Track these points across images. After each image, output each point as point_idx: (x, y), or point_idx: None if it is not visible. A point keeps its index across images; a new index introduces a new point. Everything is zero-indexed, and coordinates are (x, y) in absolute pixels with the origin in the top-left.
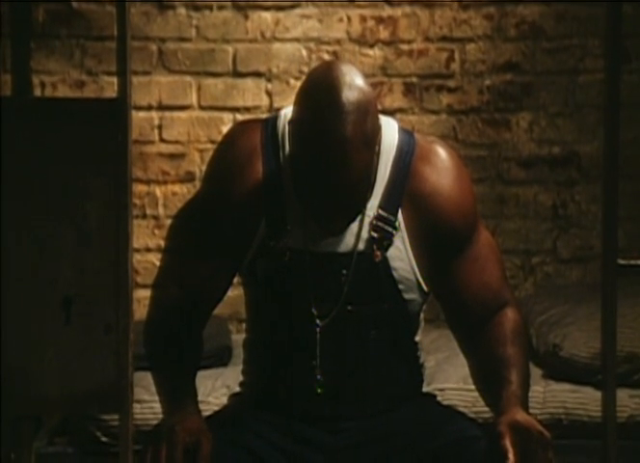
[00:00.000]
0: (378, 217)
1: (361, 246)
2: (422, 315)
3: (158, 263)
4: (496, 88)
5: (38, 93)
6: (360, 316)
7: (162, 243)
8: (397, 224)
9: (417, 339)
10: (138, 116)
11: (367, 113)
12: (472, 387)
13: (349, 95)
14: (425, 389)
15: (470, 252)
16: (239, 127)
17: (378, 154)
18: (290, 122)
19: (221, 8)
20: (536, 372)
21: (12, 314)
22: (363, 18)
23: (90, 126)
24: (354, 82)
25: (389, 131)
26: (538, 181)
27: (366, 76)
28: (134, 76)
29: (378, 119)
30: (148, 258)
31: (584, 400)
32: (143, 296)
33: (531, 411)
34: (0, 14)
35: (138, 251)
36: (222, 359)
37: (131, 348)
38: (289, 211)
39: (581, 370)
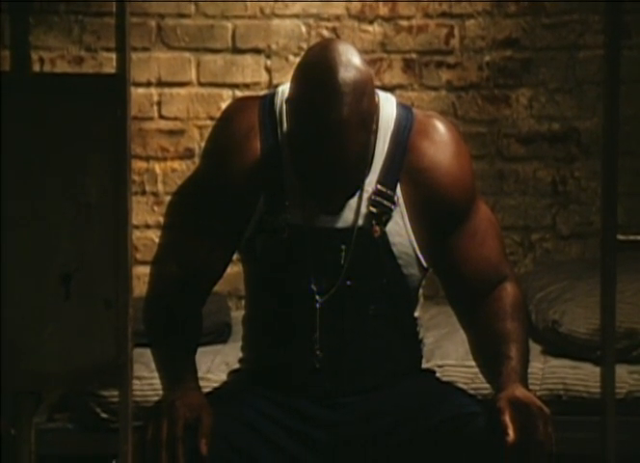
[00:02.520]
0: (377, 192)
1: (360, 221)
2: (421, 291)
3: (157, 240)
4: (496, 64)
5: (36, 68)
6: (360, 291)
7: (161, 220)
8: (396, 199)
9: (416, 314)
10: (137, 92)
11: (364, 93)
12: (471, 363)
13: (345, 75)
14: (424, 365)
15: (469, 226)
16: (237, 104)
17: (376, 131)
18: (287, 101)
19: None
20: (535, 348)
21: (11, 290)
22: None
23: (89, 102)
24: (351, 62)
25: (388, 106)
26: (537, 158)
27: (365, 52)
28: (133, 52)
29: (375, 99)
30: (148, 235)
31: (583, 376)
32: (142, 273)
33: (530, 387)
34: None
35: (137, 227)
36: (221, 336)
37: (130, 324)
38: (288, 187)
39: (580, 346)
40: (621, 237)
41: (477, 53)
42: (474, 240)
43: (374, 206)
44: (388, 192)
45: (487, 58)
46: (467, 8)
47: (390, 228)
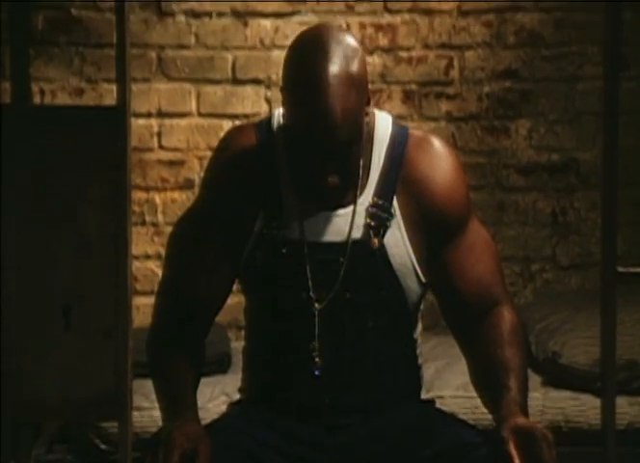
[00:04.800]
0: (373, 204)
1: (358, 234)
2: (420, 313)
3: (157, 270)
4: (496, 95)
5: (37, 100)
6: (358, 304)
7: (161, 250)
8: (393, 210)
9: (416, 336)
10: (137, 123)
11: (354, 57)
12: (472, 394)
13: (336, 40)
14: (424, 396)
15: (464, 241)
16: (233, 131)
17: (371, 145)
18: (281, 89)
19: (220, 15)
20: (535, 379)
21: (12, 321)
22: (363, 26)
23: (89, 134)
24: (341, 33)
25: (383, 123)
26: (537, 188)
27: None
28: (133, 83)
29: (365, 68)
30: (148, 266)
31: (584, 408)
32: (142, 303)
33: (531, 418)
34: None
35: (137, 258)
36: (221, 366)
37: (130, 355)
38: (286, 203)
39: (581, 378)
40: (621, 269)
41: (477, 84)
42: (469, 256)
43: (371, 218)
44: (385, 204)
45: (486, 89)
46: (467, 39)
47: (388, 239)
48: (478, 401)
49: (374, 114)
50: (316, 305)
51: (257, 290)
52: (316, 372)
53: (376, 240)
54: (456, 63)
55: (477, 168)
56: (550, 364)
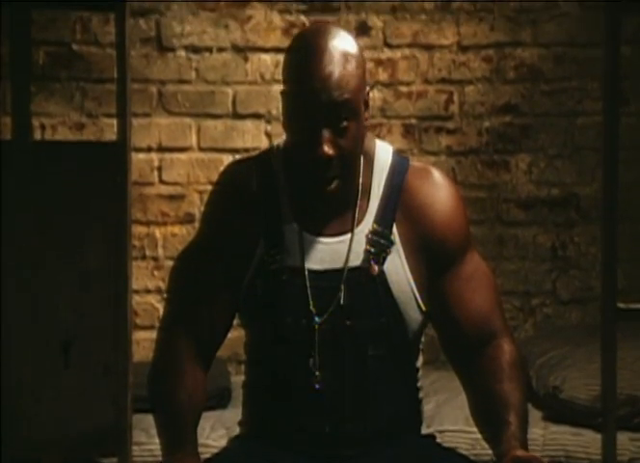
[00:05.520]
0: (373, 231)
1: (358, 261)
2: (422, 346)
3: (157, 305)
4: (495, 129)
5: (38, 135)
6: (358, 331)
7: (162, 284)
8: (392, 237)
9: (417, 367)
10: (138, 157)
11: (353, 46)
12: (472, 429)
13: (334, 33)
14: (425, 431)
15: (463, 271)
16: (232, 164)
17: (371, 174)
18: (281, 93)
19: (220, 50)
20: (536, 414)
21: (11, 358)
22: None
23: (89, 169)
24: (340, 29)
25: (383, 152)
26: (537, 223)
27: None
28: (134, 118)
29: (364, 61)
30: (148, 300)
31: (585, 443)
32: (142, 338)
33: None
34: (0, 57)
35: (137, 292)
36: (221, 400)
37: (130, 391)
38: (286, 230)
39: (581, 413)
40: (621, 306)
41: (477, 119)
42: (468, 287)
43: (371, 245)
44: (385, 231)
45: (486, 123)
46: (467, 74)
47: (388, 266)
48: (478, 436)
49: (375, 143)
50: (317, 332)
51: (257, 319)
52: (317, 386)
53: (376, 267)
54: (456, 97)
55: (477, 202)
56: (551, 399)
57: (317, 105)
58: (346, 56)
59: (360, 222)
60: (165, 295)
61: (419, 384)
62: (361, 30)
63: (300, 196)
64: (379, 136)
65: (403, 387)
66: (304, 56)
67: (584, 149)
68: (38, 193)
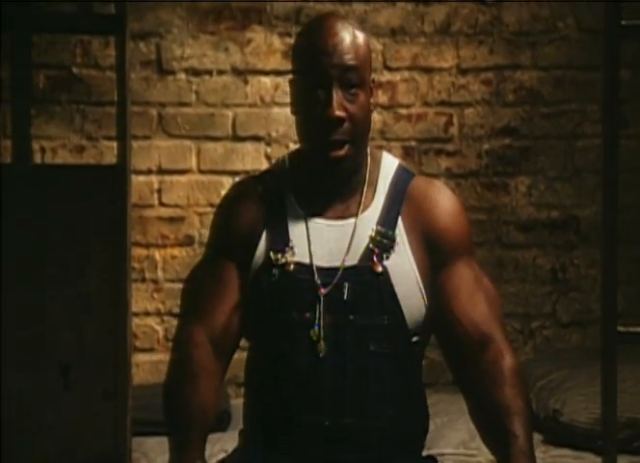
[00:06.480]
0: (377, 231)
1: (362, 257)
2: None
3: (157, 327)
4: (495, 152)
5: (38, 157)
6: (361, 326)
7: (161, 307)
8: (398, 234)
9: (421, 371)
10: (138, 180)
11: (360, 31)
12: (473, 452)
13: (342, 18)
14: (425, 453)
15: (462, 272)
16: (235, 185)
17: (376, 181)
18: (290, 81)
19: (220, 73)
20: (536, 437)
21: (11, 382)
22: None
23: (89, 193)
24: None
25: (388, 162)
26: (537, 245)
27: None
28: (134, 141)
29: (370, 45)
30: (147, 322)
31: None
32: (141, 360)
33: None
34: (0, 80)
35: (137, 315)
36: (221, 423)
37: (130, 413)
38: (292, 227)
39: (582, 436)
40: (621, 329)
41: (476, 141)
42: (466, 288)
43: (375, 243)
44: (389, 230)
45: (486, 146)
46: (466, 97)
47: (393, 263)
48: (480, 460)
49: (382, 152)
50: (322, 332)
51: (262, 313)
52: (318, 396)
53: (379, 265)
54: (455, 120)
55: (477, 224)
56: (551, 422)
57: (329, 66)
58: (355, 34)
59: (366, 208)
60: (165, 318)
61: (424, 389)
62: None
63: (306, 187)
64: None
65: (405, 386)
66: (315, 31)
67: (584, 171)
68: (38, 216)
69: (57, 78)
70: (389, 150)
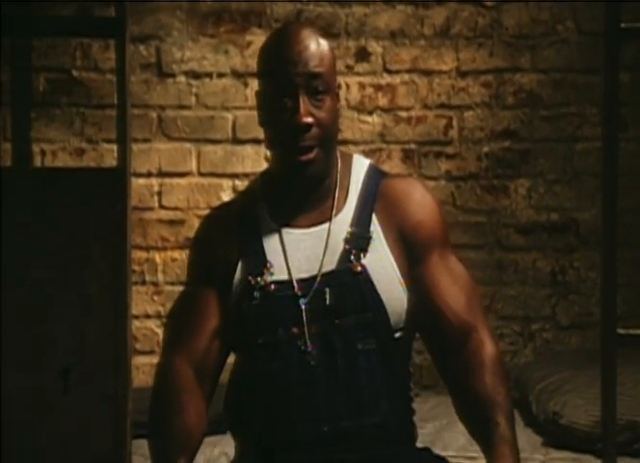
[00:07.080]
0: (351, 232)
1: (339, 259)
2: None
3: (157, 330)
4: (495, 155)
5: (38, 160)
6: (347, 328)
7: (161, 309)
8: (371, 232)
9: (409, 368)
10: (138, 183)
11: (324, 40)
12: (472, 454)
13: (305, 26)
14: None
15: (439, 263)
16: (206, 216)
17: (348, 184)
18: (256, 93)
19: (220, 75)
20: (536, 440)
21: (11, 384)
22: (362, 86)
23: (89, 196)
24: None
25: (361, 159)
26: (536, 248)
27: (365, 143)
28: (134, 143)
29: (334, 53)
30: (147, 325)
31: None
32: (142, 363)
33: None
34: (0, 83)
35: (137, 317)
36: (220, 426)
37: (129, 416)
38: (264, 231)
39: (581, 438)
40: (621, 331)
41: (476, 144)
42: (444, 278)
43: (350, 243)
44: (363, 231)
45: (485, 149)
46: (466, 99)
47: (371, 260)
48: (479, 462)
49: (352, 154)
50: (308, 340)
51: (249, 341)
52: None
53: (358, 265)
54: (455, 123)
55: (476, 227)
56: (551, 424)
57: (294, 75)
58: (319, 41)
59: (339, 211)
60: (164, 320)
61: (411, 384)
62: (361, 56)
63: (280, 200)
64: (378, 161)
65: (394, 382)
66: (279, 40)
67: (583, 174)
68: (38, 219)
69: (57, 81)
70: (389, 153)
